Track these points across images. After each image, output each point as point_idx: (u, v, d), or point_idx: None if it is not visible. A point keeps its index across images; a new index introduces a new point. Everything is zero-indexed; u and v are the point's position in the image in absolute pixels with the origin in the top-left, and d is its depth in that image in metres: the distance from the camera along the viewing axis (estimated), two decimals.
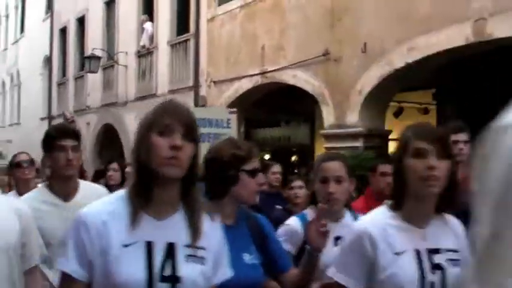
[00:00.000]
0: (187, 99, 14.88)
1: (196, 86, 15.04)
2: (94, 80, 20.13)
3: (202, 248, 2.18)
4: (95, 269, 2.07)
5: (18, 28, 30.19)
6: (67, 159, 3.49)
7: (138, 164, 2.11)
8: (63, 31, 24.35)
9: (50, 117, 24.54)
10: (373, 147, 10.25)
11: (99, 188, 3.83)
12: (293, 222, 3.53)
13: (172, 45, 16.55)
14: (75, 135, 3.63)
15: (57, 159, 3.50)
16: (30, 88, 27.23)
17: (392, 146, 12.38)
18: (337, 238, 3.22)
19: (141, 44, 17.94)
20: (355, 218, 3.37)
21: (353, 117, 10.66)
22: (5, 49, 32.36)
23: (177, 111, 2.12)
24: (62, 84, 24.24)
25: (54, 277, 3.23)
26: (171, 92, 15.95)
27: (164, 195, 2.13)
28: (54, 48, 25.00)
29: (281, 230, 3.50)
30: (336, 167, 3.38)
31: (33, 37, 27.22)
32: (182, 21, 16.34)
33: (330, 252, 3.02)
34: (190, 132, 2.10)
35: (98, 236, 2.06)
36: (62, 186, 3.58)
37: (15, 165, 5.28)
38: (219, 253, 2.28)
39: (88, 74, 19.85)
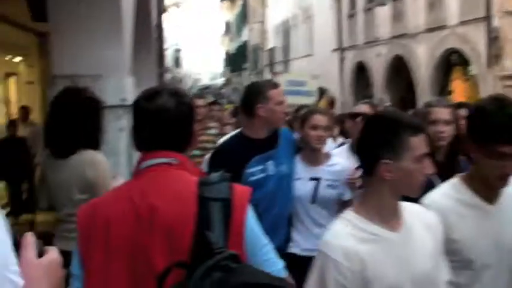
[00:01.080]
0: (478, 32, 14.81)
1: (487, 17, 14.69)
2: (383, 11, 20.56)
3: None
4: None
5: None
6: (505, 173, 2.56)
7: None
8: None
9: (341, 49, 25.70)
10: None
11: None
12: None
13: None
14: None
15: (491, 168, 2.56)
16: (321, 20, 28.48)
17: None
18: None
19: None
20: None
21: None
22: None
23: None
24: (351, 16, 24.99)
25: None
26: (462, 23, 15.89)
27: None
28: None
29: None
30: None
31: None
32: None
33: None
34: None
35: None
36: (485, 187, 2.67)
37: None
38: None
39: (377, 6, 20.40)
